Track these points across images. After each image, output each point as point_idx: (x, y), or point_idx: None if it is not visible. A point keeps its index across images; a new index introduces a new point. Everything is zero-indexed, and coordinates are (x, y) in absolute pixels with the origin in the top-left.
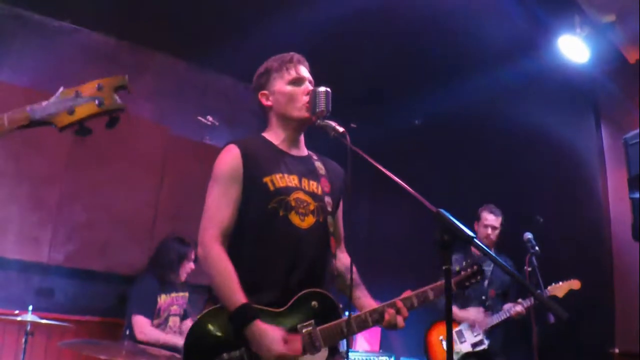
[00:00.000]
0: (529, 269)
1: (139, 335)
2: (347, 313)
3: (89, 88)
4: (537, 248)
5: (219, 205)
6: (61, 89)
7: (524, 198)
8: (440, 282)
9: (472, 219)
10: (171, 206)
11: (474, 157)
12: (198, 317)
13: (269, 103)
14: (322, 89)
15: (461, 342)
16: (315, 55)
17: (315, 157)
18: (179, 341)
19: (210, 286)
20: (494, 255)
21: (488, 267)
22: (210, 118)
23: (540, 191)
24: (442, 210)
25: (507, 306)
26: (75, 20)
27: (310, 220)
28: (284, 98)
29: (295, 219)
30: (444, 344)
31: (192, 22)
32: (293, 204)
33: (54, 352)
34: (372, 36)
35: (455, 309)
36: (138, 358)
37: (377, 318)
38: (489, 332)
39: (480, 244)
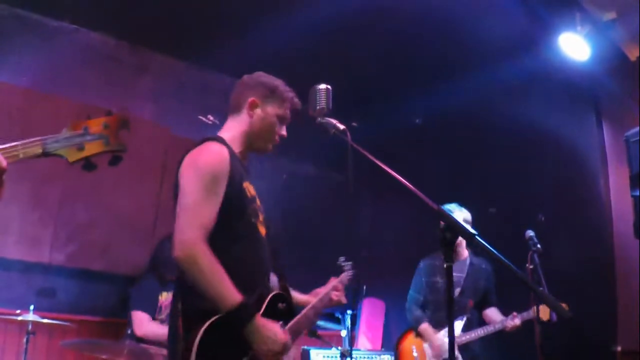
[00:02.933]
0: (531, 266)
1: (137, 331)
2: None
3: (95, 124)
4: (539, 246)
5: (205, 205)
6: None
7: (525, 196)
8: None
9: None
10: (172, 206)
11: (474, 155)
12: (199, 337)
13: (251, 114)
14: (322, 86)
15: (433, 357)
16: (315, 53)
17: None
18: None
19: (181, 305)
20: (496, 253)
21: (459, 274)
22: (211, 117)
23: (541, 189)
24: (443, 208)
25: (493, 316)
26: (75, 20)
27: (263, 229)
28: (266, 126)
29: (259, 226)
30: (417, 356)
31: (192, 21)
32: (257, 212)
33: (56, 352)
34: (373, 34)
35: (426, 326)
36: (140, 358)
37: (325, 305)
38: (465, 347)
39: (482, 242)
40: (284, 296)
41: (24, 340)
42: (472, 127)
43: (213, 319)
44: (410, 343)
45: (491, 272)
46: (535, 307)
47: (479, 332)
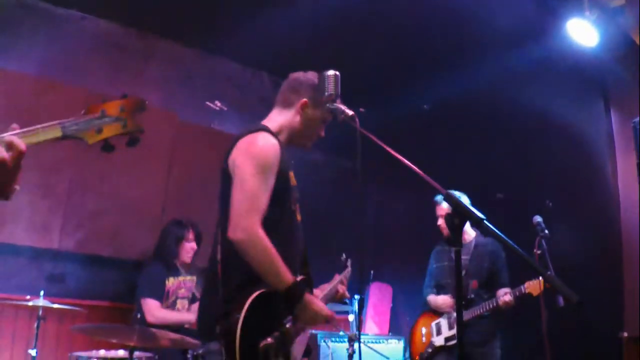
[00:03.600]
0: (539, 252)
1: (150, 318)
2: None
3: (112, 107)
4: (546, 231)
5: (261, 193)
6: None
7: (533, 182)
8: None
9: (480, 203)
10: (180, 192)
11: (482, 142)
12: (248, 302)
13: (300, 112)
14: (330, 72)
15: (437, 335)
16: (324, 40)
17: None
18: (188, 317)
19: (232, 292)
20: (504, 237)
21: (465, 256)
22: (218, 103)
23: (549, 175)
24: (451, 192)
25: (499, 293)
26: (82, 8)
27: (299, 216)
28: (310, 126)
29: (298, 214)
30: (424, 335)
31: (199, 8)
32: (296, 200)
33: (66, 337)
34: (381, 20)
35: (431, 296)
36: (149, 341)
37: (333, 296)
38: (471, 323)
39: (491, 226)
40: (310, 281)
41: (35, 325)
42: (480, 114)
43: (259, 292)
44: (424, 322)
45: (498, 252)
46: (527, 284)
47: (477, 311)
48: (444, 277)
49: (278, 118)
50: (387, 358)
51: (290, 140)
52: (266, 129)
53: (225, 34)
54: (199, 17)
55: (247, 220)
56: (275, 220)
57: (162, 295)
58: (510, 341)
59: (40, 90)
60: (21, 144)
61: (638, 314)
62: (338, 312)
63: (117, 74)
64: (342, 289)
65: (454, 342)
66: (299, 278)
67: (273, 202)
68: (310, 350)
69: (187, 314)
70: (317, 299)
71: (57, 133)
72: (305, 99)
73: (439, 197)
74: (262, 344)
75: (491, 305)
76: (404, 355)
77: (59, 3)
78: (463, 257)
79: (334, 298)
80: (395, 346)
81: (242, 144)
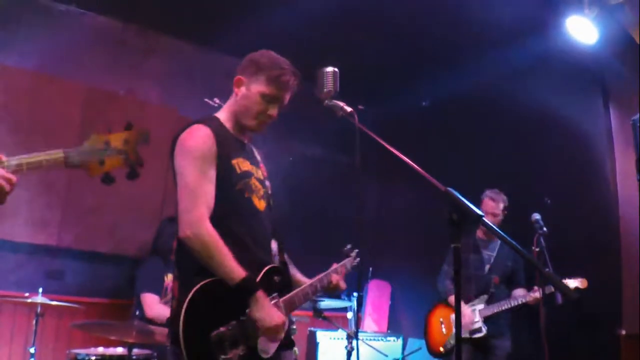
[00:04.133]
0: (537, 249)
1: (149, 312)
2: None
3: (117, 139)
4: (545, 229)
5: (202, 184)
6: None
7: (532, 179)
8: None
9: (479, 200)
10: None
11: (481, 138)
12: (190, 296)
13: (237, 91)
14: (329, 69)
15: None
16: (322, 35)
17: (252, 145)
18: None
19: (189, 277)
20: (504, 235)
21: (491, 253)
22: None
23: (548, 172)
24: (450, 189)
25: (518, 292)
26: (81, 3)
27: (263, 203)
28: (250, 104)
29: (255, 200)
30: (443, 326)
31: (199, 3)
32: (253, 187)
33: (65, 333)
34: (380, 16)
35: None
36: (147, 338)
37: (323, 285)
38: (489, 317)
39: (490, 224)
40: (280, 269)
41: (34, 322)
42: (478, 110)
43: (203, 282)
44: (440, 314)
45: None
46: (549, 284)
47: (503, 305)
48: (467, 269)
49: (226, 104)
50: (386, 355)
51: (238, 124)
52: (201, 120)
53: (224, 29)
54: (199, 13)
55: (191, 216)
56: (220, 209)
57: (160, 290)
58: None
59: (39, 85)
60: (13, 177)
61: (636, 311)
62: (337, 310)
63: (116, 69)
64: (335, 278)
65: (480, 334)
66: (266, 268)
67: (219, 192)
68: (290, 343)
69: None
70: (270, 305)
71: (60, 162)
72: (238, 76)
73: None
74: (214, 333)
75: (519, 301)
76: (402, 352)
77: None
78: (489, 253)
79: (328, 288)
80: (394, 344)
81: (178, 141)
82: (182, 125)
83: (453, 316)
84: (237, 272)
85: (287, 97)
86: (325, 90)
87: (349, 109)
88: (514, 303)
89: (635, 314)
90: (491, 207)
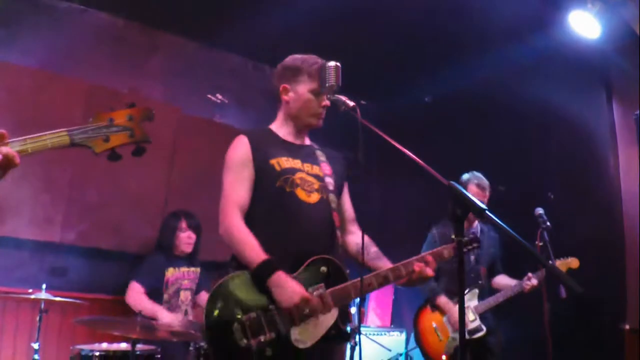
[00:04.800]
0: (540, 243)
1: (127, 299)
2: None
3: (120, 116)
4: (548, 223)
5: (233, 186)
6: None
7: (535, 175)
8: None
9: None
10: (183, 184)
11: (484, 134)
12: (216, 285)
13: (286, 98)
14: (332, 63)
15: (455, 331)
16: (325, 32)
17: (315, 147)
18: (165, 318)
19: (230, 262)
20: (505, 226)
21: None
22: (219, 96)
23: (551, 167)
24: (453, 183)
25: (503, 280)
26: (83, 1)
27: (315, 196)
28: (302, 104)
29: (301, 194)
30: (438, 332)
31: (201, 1)
32: (298, 181)
33: (69, 329)
34: (382, 13)
35: (444, 298)
36: (151, 334)
37: (399, 274)
38: (483, 315)
39: (493, 216)
40: (330, 260)
41: (37, 318)
42: (481, 106)
43: (233, 274)
44: (429, 319)
45: (498, 239)
46: (543, 270)
47: (498, 298)
48: (450, 263)
49: (278, 114)
50: (389, 350)
51: (298, 126)
52: (247, 130)
53: (227, 27)
54: (201, 10)
55: (223, 216)
56: (260, 204)
57: (153, 283)
58: (512, 332)
59: (42, 83)
60: (16, 157)
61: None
62: None
63: (119, 67)
64: (418, 266)
65: (480, 333)
66: (311, 258)
67: (259, 190)
68: (343, 336)
69: (166, 316)
70: (294, 282)
71: (65, 141)
72: (282, 85)
73: (477, 180)
74: (237, 319)
75: (515, 291)
76: (406, 347)
77: None
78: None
79: (410, 279)
80: (397, 338)
81: None
82: (184, 123)
83: (445, 319)
84: (257, 257)
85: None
86: (327, 84)
87: (351, 104)
88: (509, 293)
89: (639, 309)
90: (477, 195)
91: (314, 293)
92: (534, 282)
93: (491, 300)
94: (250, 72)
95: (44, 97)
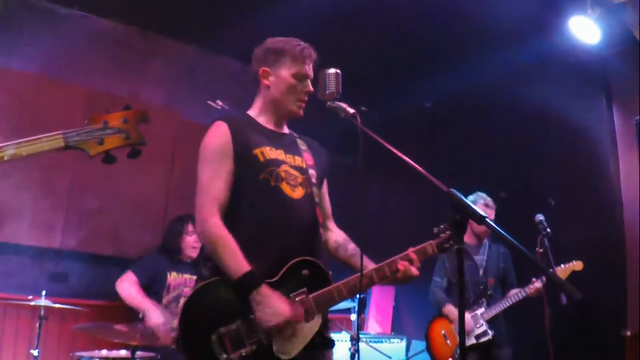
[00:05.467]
0: (541, 250)
1: (117, 286)
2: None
3: (115, 119)
4: (548, 230)
5: (212, 181)
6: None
7: (535, 180)
8: (438, 239)
9: None
10: (182, 190)
11: (484, 139)
12: (190, 294)
13: (267, 83)
14: (332, 70)
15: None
16: (325, 37)
17: (295, 135)
18: (152, 317)
19: (201, 269)
20: (506, 235)
21: (482, 256)
22: (220, 102)
23: (551, 173)
24: (453, 190)
25: (513, 291)
26: (84, 6)
27: (300, 191)
28: (285, 88)
29: (286, 188)
30: (447, 339)
31: (201, 6)
32: (283, 175)
33: (68, 336)
34: (382, 17)
35: (451, 307)
36: (151, 341)
37: (384, 275)
38: (492, 322)
39: (492, 224)
40: (312, 263)
41: (37, 325)
42: (482, 111)
43: (208, 281)
44: (440, 328)
45: (508, 253)
46: (544, 276)
47: (505, 304)
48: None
49: (256, 100)
50: (389, 357)
51: (278, 113)
52: (221, 117)
53: (227, 32)
54: (201, 15)
55: (200, 213)
56: (241, 199)
57: (147, 277)
58: (514, 339)
59: (42, 88)
60: None
61: None
62: (340, 311)
63: (119, 72)
64: (403, 265)
65: (486, 338)
66: (292, 261)
67: (240, 183)
68: (327, 343)
69: (154, 317)
70: (277, 298)
71: (60, 143)
72: (262, 68)
73: (483, 201)
74: (215, 332)
75: (519, 296)
76: (406, 354)
77: (61, 2)
78: (480, 256)
79: (394, 278)
80: (397, 345)
81: None
82: (184, 129)
83: (453, 327)
84: (239, 268)
85: (311, 70)
86: (327, 91)
87: (351, 111)
88: (515, 299)
89: None
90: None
91: (296, 299)
92: (538, 285)
93: (497, 307)
94: (251, 78)
95: (45, 102)
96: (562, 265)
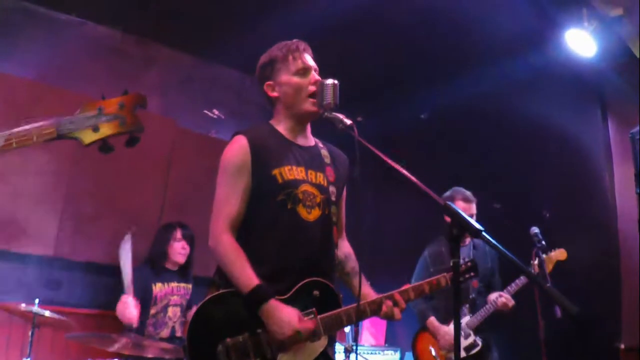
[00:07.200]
0: (536, 263)
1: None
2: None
3: (111, 105)
4: (543, 242)
5: (228, 197)
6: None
7: (530, 192)
8: (435, 278)
9: (477, 213)
10: (178, 199)
11: (480, 151)
12: (201, 303)
13: (275, 94)
14: (329, 81)
15: (450, 351)
16: (321, 48)
17: (321, 146)
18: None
19: (214, 276)
20: (502, 248)
21: (465, 258)
22: (216, 112)
23: (546, 186)
24: (449, 203)
25: (492, 296)
26: (81, 13)
27: (316, 213)
28: (291, 90)
29: (302, 211)
30: (437, 357)
31: (199, 15)
32: (300, 196)
33: (61, 345)
34: (378, 29)
35: (433, 320)
36: (144, 350)
37: (375, 309)
38: (480, 329)
39: (489, 238)
40: (323, 284)
41: (30, 333)
42: (477, 123)
43: (218, 292)
44: (427, 343)
45: (495, 254)
46: (517, 282)
47: (489, 310)
48: None
49: (275, 113)
50: None
51: (295, 118)
52: (242, 131)
53: (224, 41)
54: (198, 25)
55: (213, 228)
56: (262, 221)
57: (138, 296)
58: (508, 351)
59: (39, 95)
60: None
61: (635, 324)
62: None
63: (116, 79)
64: (386, 305)
65: (476, 349)
66: (304, 281)
67: (257, 203)
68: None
69: (128, 313)
70: (288, 310)
71: (52, 134)
72: (265, 84)
73: (462, 195)
74: (221, 343)
75: (491, 309)
76: None
77: (59, 8)
78: (464, 258)
79: (378, 314)
80: (391, 357)
81: None
82: (180, 137)
83: (440, 342)
84: (249, 282)
85: (310, 59)
86: (325, 102)
87: (348, 122)
88: (488, 311)
89: (635, 327)
90: (465, 209)
91: (305, 319)
92: (504, 299)
93: (482, 313)
94: (248, 87)
95: (40, 109)
96: (544, 256)
